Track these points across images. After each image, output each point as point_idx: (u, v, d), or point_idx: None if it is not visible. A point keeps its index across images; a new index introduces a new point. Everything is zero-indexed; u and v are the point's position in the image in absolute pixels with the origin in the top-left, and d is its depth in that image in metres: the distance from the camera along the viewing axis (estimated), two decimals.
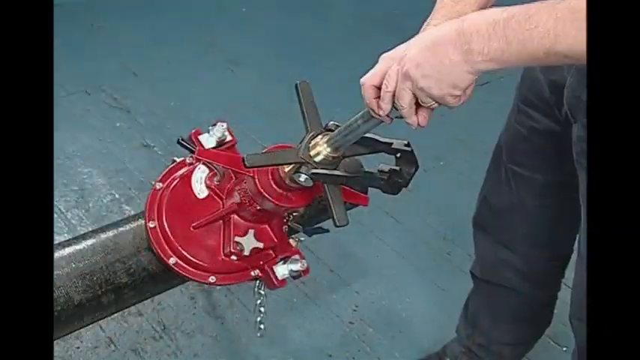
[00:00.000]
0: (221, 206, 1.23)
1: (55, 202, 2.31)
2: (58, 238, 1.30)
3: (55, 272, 1.13)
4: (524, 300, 1.67)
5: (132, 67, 3.12)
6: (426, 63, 0.87)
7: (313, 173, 1.10)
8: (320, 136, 1.10)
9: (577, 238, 1.46)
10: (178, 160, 1.29)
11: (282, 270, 1.23)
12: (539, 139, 1.40)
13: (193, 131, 1.27)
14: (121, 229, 1.24)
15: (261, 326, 1.31)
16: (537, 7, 0.81)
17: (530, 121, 1.39)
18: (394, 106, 0.95)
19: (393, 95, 0.93)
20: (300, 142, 1.12)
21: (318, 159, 1.10)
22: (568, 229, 1.48)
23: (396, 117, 0.97)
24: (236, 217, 1.22)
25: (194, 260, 1.20)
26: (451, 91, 0.89)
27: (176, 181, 1.25)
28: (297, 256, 1.25)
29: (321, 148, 1.10)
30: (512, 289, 1.65)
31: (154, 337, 1.94)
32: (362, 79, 0.97)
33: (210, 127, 1.27)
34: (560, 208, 1.47)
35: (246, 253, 1.20)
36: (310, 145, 1.10)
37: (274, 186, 1.16)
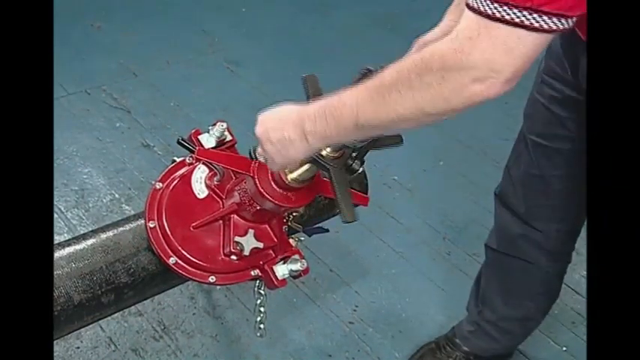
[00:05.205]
0: (221, 206, 1.23)
1: (55, 202, 2.31)
2: (58, 238, 1.30)
3: (55, 272, 1.13)
4: (539, 272, 1.68)
5: (132, 67, 3.12)
6: (272, 132, 1.06)
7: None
8: None
9: None
10: (178, 160, 1.29)
11: (282, 270, 1.23)
12: (559, 109, 1.41)
13: (193, 131, 1.27)
14: (121, 229, 1.24)
15: (261, 326, 1.31)
16: (347, 89, 0.98)
17: (551, 90, 1.41)
18: None
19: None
20: None
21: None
22: (584, 200, 1.47)
23: None
24: (236, 217, 1.22)
25: (194, 260, 1.20)
26: (288, 162, 1.10)
27: (176, 181, 1.25)
28: (297, 256, 1.25)
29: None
30: (529, 262, 1.65)
31: (154, 337, 1.94)
32: None
33: (210, 127, 1.27)
34: (578, 179, 1.47)
35: (246, 253, 1.20)
36: None
37: (274, 186, 1.16)
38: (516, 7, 0.81)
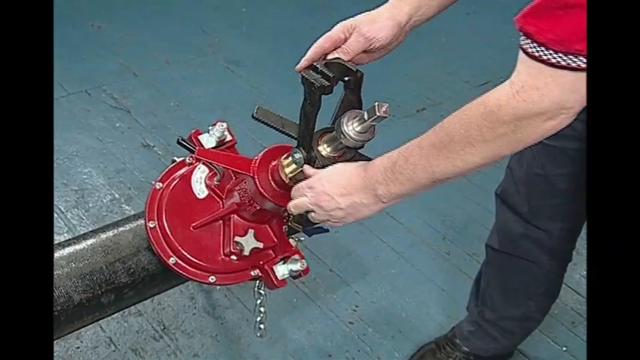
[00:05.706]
0: (221, 206, 1.23)
1: (55, 202, 2.31)
2: (58, 238, 1.30)
3: (55, 272, 1.13)
4: (540, 271, 1.69)
5: (132, 67, 3.12)
6: (340, 199, 1.08)
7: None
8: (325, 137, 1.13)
9: None
10: (178, 160, 1.29)
11: (282, 270, 1.23)
12: None
13: (193, 131, 1.27)
14: (121, 229, 1.24)
15: (261, 326, 1.31)
16: (411, 149, 1.00)
17: None
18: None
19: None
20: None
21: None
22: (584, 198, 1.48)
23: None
24: (236, 217, 1.22)
25: (194, 260, 1.20)
26: (354, 221, 1.11)
27: (176, 181, 1.24)
28: (297, 256, 1.25)
29: (320, 148, 1.12)
30: (530, 261, 1.66)
31: (154, 337, 1.94)
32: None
33: (210, 127, 1.27)
34: (582, 178, 1.47)
35: (246, 253, 1.20)
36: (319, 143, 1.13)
37: (274, 186, 1.16)
38: (582, 55, 0.81)
